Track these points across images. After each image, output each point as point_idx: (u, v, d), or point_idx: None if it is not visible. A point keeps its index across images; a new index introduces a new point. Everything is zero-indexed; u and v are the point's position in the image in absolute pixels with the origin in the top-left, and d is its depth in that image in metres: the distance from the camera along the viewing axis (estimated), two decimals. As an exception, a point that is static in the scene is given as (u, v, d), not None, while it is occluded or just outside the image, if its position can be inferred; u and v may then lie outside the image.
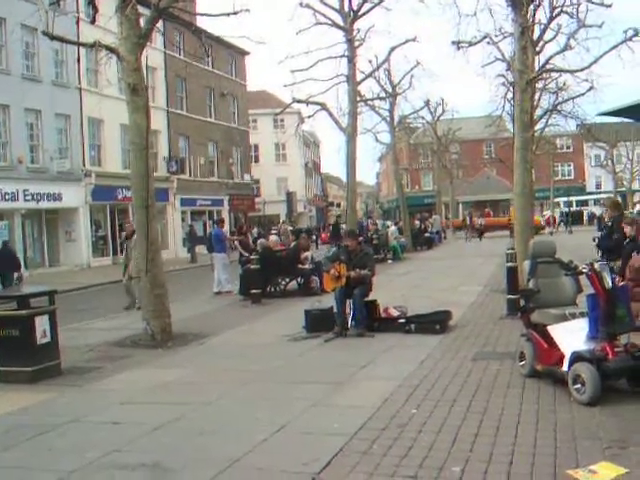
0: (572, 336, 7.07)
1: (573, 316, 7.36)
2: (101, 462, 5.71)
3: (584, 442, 5.56)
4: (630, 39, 15.05)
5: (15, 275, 22.24)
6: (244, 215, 53.50)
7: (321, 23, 23.44)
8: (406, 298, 15.63)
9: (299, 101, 25.32)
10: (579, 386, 6.63)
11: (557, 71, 21.59)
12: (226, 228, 30.17)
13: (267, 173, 62.95)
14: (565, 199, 55.55)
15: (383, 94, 33.51)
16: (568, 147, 71.96)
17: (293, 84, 24.55)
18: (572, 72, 19.03)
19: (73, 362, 10.47)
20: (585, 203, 61.98)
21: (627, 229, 10.30)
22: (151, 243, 12.30)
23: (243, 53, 52.74)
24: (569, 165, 76.84)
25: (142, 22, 12.40)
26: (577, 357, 6.78)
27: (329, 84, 24.32)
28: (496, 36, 20.00)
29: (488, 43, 17.61)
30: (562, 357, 7.04)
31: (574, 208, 57.53)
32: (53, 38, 12.16)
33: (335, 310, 11.59)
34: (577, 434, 5.76)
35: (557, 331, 7.28)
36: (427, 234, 38.51)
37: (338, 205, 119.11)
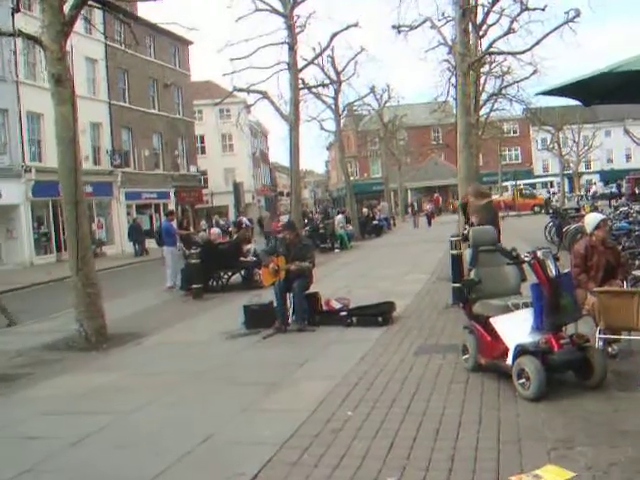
0: (516, 328, 6.74)
1: (516, 307, 7.01)
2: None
3: (529, 443, 5.22)
4: (572, 20, 14.91)
5: None
6: (192, 207, 52.58)
7: (260, 10, 22.89)
8: (350, 289, 15.38)
9: (240, 90, 24.77)
10: (524, 381, 6.30)
11: (499, 54, 21.45)
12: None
13: (214, 164, 62.00)
14: (512, 183, 55.74)
15: (327, 81, 33.09)
16: (515, 132, 72.37)
17: (233, 72, 23.99)
18: (514, 54, 18.86)
19: (1, 369, 9.99)
20: (533, 186, 62.40)
21: (473, 218, 10.24)
22: (81, 240, 11.72)
23: (186, 42, 51.63)
24: (516, 149, 77.48)
25: (66, 9, 11.75)
26: (521, 350, 6.45)
27: (270, 72, 23.80)
28: (439, 20, 19.76)
29: (431, 27, 17.35)
30: (506, 350, 6.71)
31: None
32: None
33: (275, 305, 11.15)
34: (522, 434, 5.42)
35: (500, 323, 6.93)
36: (375, 222, 38.21)
37: (288, 195, 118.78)
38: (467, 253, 7.70)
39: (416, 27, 16.08)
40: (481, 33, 23.93)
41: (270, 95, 23.56)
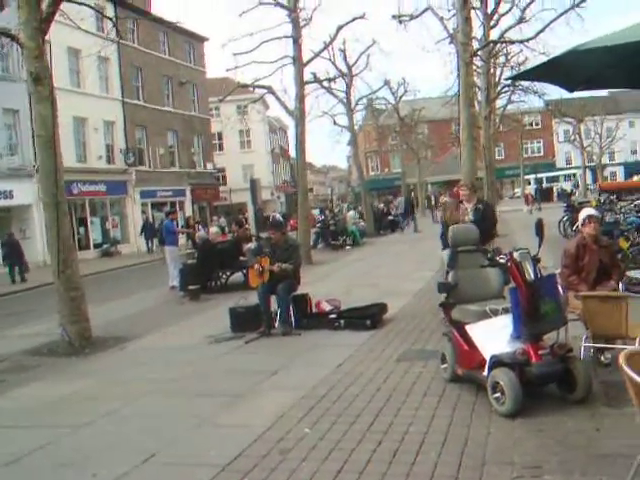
0: (492, 336, 6.16)
1: (494, 312, 6.43)
2: None
3: (492, 469, 4.67)
4: (577, 5, 14.28)
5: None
6: (209, 205, 52.32)
7: (264, 3, 22.37)
8: (351, 287, 14.95)
9: (244, 85, 24.29)
10: (499, 395, 5.75)
11: (502, 42, 20.77)
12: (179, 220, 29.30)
13: (232, 161, 61.63)
14: (533, 176, 54.77)
15: (338, 75, 32.51)
16: (537, 124, 71.23)
17: (236, 68, 23.53)
18: (519, 42, 18.11)
19: (-22, 375, 9.75)
20: (555, 179, 61.40)
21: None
22: (63, 242, 11.34)
23: (201, 39, 51.35)
24: (538, 142, 76.21)
25: (44, 6, 11.35)
26: (496, 362, 5.89)
27: (275, 67, 23.29)
28: (449, 11, 19.20)
29: (441, 20, 16.82)
30: (484, 361, 6.15)
31: (545, 185, 56.95)
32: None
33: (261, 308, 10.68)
34: (487, 457, 4.88)
35: (476, 330, 6.36)
36: (390, 217, 37.56)
37: (311, 190, 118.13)
38: (445, 254, 7.13)
39: (416, 17, 15.51)
40: (492, 23, 23.33)
41: (275, 90, 23.00)
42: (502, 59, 30.38)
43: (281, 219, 14.63)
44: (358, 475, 4.74)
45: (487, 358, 6.03)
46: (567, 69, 5.46)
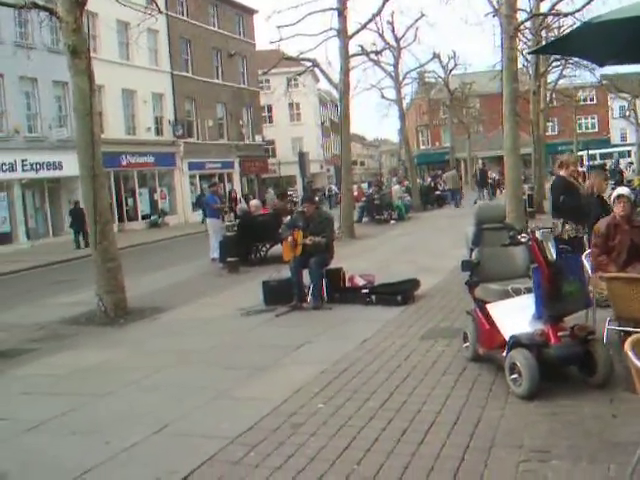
0: (513, 316, 6.04)
1: (517, 292, 6.28)
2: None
3: (500, 452, 4.59)
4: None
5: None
6: (257, 177, 52.50)
7: (309, -27, 22.22)
8: (389, 263, 14.86)
9: (289, 58, 24.22)
10: (516, 376, 5.64)
11: (546, 14, 20.21)
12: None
13: (282, 134, 61.67)
14: (585, 152, 53.45)
15: (385, 47, 32.19)
16: (592, 99, 69.53)
17: (280, 40, 23.44)
18: (565, 15, 17.62)
19: (15, 343, 10.00)
20: (610, 156, 59.85)
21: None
22: (100, 214, 11.49)
23: (250, 12, 51.24)
24: (593, 118, 74.38)
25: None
26: (515, 342, 5.79)
27: (319, 39, 23.14)
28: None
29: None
30: (504, 341, 6.05)
31: (597, 161, 55.55)
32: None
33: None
34: (496, 440, 4.79)
35: (497, 310, 6.25)
36: (438, 192, 37.15)
37: (362, 164, 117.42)
38: (469, 231, 7.00)
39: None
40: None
41: (320, 63, 22.85)
42: (556, 32, 29.64)
43: (311, 194, 14.28)
44: (364, 453, 4.71)
45: (507, 338, 5.93)
46: (593, 43, 5.27)
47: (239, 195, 43.71)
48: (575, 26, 17.75)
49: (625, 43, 5.61)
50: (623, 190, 7.41)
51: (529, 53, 21.90)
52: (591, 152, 53.57)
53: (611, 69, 34.16)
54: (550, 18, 24.08)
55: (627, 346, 3.62)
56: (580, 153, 58.86)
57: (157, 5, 13.61)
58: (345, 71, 22.09)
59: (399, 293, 10.21)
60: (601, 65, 6.19)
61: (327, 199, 49.75)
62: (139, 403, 6.41)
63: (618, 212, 7.03)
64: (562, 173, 9.45)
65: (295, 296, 10.52)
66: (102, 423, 5.89)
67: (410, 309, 9.80)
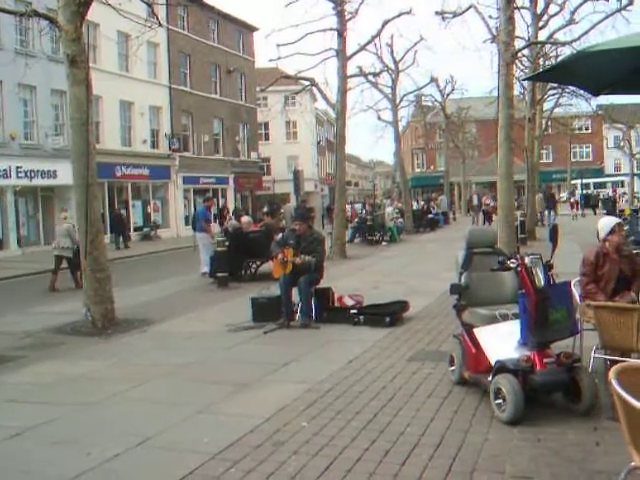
0: (500, 341, 6.07)
1: (504, 317, 6.32)
2: None
3: (482, 476, 4.59)
4: (624, 8, 13.97)
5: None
6: (251, 194, 52.51)
7: (311, -6, 22.38)
8: (378, 284, 14.85)
9: (287, 77, 24.31)
10: (500, 401, 5.65)
11: (544, 43, 20.34)
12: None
13: (278, 151, 61.74)
14: (579, 181, 53.80)
15: (383, 69, 32.39)
16: (587, 128, 70.01)
17: (279, 58, 23.55)
18: (562, 44, 17.78)
19: (1, 350, 9.94)
20: (603, 185, 60.23)
21: None
22: (92, 224, 11.49)
23: (251, 29, 51.49)
24: (587, 147, 74.87)
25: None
26: (500, 367, 5.80)
27: (318, 59, 23.29)
28: (497, 9, 18.86)
29: (483, 19, 16.57)
30: (490, 365, 6.06)
31: (591, 190, 55.89)
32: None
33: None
34: (479, 464, 4.79)
35: (483, 334, 6.27)
36: (430, 215, 37.23)
37: (356, 184, 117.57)
38: (460, 255, 7.02)
39: (460, 14, 15.29)
40: (541, 24, 22.92)
41: (318, 83, 22.95)
42: (553, 61, 29.86)
43: (304, 212, 14.19)
44: (345, 473, 4.70)
45: (492, 363, 5.94)
46: (587, 72, 5.31)
47: (230, 212, 43.67)
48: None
49: (619, 74, 5.67)
50: (618, 219, 7.47)
51: (523, 80, 22.10)
52: (585, 181, 53.86)
53: (607, 99, 34.51)
54: (548, 47, 24.28)
55: (611, 374, 3.62)
56: (574, 182, 59.29)
57: (158, 18, 13.60)
58: (343, 91, 22.19)
59: (387, 314, 10.22)
60: (596, 95, 6.24)
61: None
62: (122, 415, 6.37)
63: (616, 241, 7.05)
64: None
65: (283, 314, 10.49)
66: (85, 433, 5.86)
67: (398, 331, 9.79)
